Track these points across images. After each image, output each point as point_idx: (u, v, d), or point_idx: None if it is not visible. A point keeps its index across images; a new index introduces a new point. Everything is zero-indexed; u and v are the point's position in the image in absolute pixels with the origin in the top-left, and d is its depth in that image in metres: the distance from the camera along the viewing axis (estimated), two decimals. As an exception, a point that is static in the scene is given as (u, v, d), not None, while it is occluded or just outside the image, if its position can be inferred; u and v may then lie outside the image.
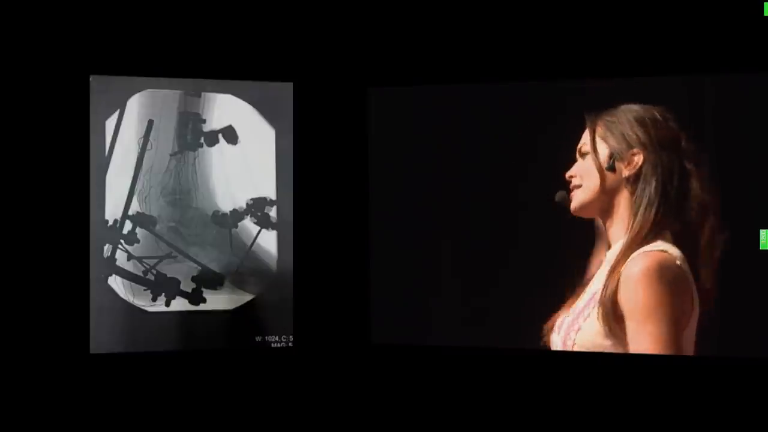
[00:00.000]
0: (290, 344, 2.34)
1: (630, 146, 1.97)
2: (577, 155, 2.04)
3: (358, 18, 2.33)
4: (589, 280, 2.03)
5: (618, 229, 1.97)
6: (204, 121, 2.33)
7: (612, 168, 1.97)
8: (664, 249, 1.88)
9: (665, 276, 1.84)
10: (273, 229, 2.36)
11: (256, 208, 2.35)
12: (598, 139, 1.99)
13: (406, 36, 2.32)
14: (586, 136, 2.04)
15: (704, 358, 2.06)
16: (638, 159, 1.95)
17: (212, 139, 2.33)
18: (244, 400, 2.32)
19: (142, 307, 2.27)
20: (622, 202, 1.97)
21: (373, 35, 2.33)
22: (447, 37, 2.30)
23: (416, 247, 2.31)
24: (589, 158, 1.99)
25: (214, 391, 2.30)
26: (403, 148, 2.33)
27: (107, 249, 2.26)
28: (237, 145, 2.34)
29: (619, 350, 1.90)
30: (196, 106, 2.33)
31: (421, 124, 2.31)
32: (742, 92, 2.06)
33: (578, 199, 2.00)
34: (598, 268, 2.01)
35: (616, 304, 1.87)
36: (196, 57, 2.30)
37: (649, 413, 2.15)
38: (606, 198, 1.98)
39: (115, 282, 2.26)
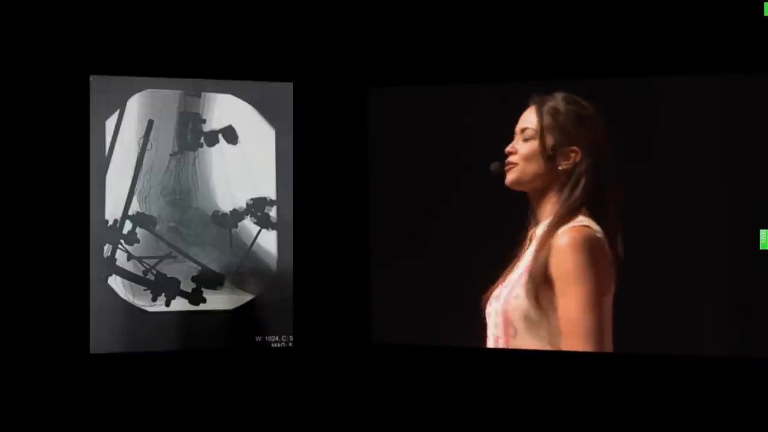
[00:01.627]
0: (290, 344, 2.34)
1: (570, 142, 2.08)
2: (518, 134, 2.12)
3: (358, 18, 2.33)
4: (520, 253, 2.14)
5: (545, 210, 2.09)
6: (204, 121, 2.33)
7: (551, 158, 2.09)
8: (586, 224, 2.04)
9: (588, 246, 2.01)
10: (273, 229, 2.36)
11: (256, 208, 2.35)
12: (545, 129, 2.09)
13: (406, 36, 2.32)
14: (530, 120, 2.11)
15: (704, 357, 2.07)
16: (575, 156, 2.07)
17: (212, 139, 2.33)
18: (244, 400, 2.32)
19: (142, 307, 2.27)
20: (555, 188, 2.09)
21: (373, 35, 2.33)
22: (447, 36, 2.30)
23: (416, 246, 2.31)
24: (533, 143, 2.10)
25: (214, 391, 2.30)
26: (403, 148, 2.33)
27: (107, 249, 2.26)
28: (237, 145, 2.34)
29: (543, 320, 2.05)
30: (196, 106, 2.33)
31: (421, 124, 2.31)
32: (743, 92, 2.06)
33: (515, 177, 2.12)
34: (528, 244, 2.12)
35: (546, 274, 2.03)
36: (196, 57, 2.30)
37: (647, 413, 2.15)
38: (540, 182, 2.10)
39: (115, 282, 2.26)
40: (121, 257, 2.27)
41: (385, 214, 2.34)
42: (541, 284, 2.03)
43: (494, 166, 2.15)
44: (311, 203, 2.36)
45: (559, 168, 2.08)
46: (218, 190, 2.34)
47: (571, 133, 2.08)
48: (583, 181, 2.05)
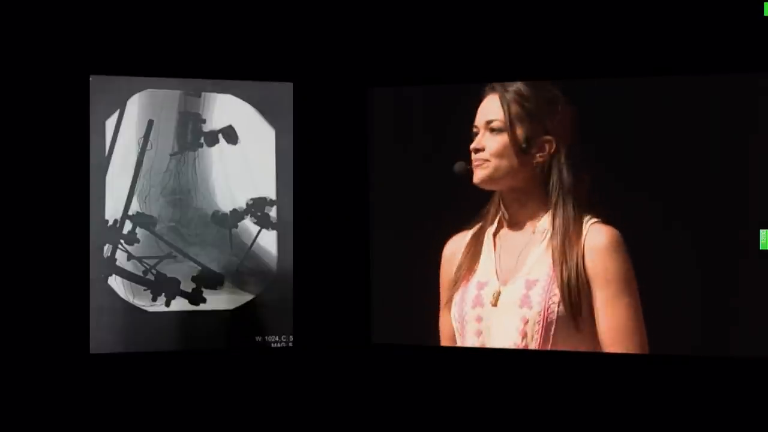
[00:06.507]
0: (290, 344, 2.34)
1: (544, 131, 2.01)
2: (483, 128, 2.05)
3: (358, 18, 2.33)
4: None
5: (528, 209, 2.04)
6: (204, 121, 2.33)
7: (525, 151, 2.00)
8: (602, 222, 1.97)
9: (625, 246, 1.94)
10: (273, 229, 2.36)
11: (256, 208, 2.35)
12: (514, 119, 2.01)
13: (406, 36, 2.32)
14: (494, 111, 2.04)
15: (704, 357, 2.06)
16: (550, 147, 2.00)
17: (212, 139, 2.33)
18: (244, 400, 2.32)
19: (142, 307, 2.27)
20: (534, 183, 2.02)
21: (373, 35, 2.33)
22: (447, 37, 2.30)
23: (416, 247, 2.31)
24: (503, 137, 2.01)
25: (214, 391, 2.30)
26: (403, 148, 2.33)
27: (107, 249, 2.26)
28: (237, 145, 2.34)
29: (582, 326, 1.95)
30: (196, 106, 2.33)
31: (421, 124, 2.31)
32: (743, 92, 2.06)
33: (487, 174, 2.04)
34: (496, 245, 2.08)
35: (584, 277, 1.94)
36: (196, 57, 2.30)
37: (648, 413, 2.15)
38: (516, 178, 2.03)
39: (115, 282, 2.26)
40: (121, 257, 2.27)
41: (385, 214, 2.34)
42: (580, 289, 1.93)
43: (459, 166, 2.05)
44: (311, 203, 2.36)
45: (535, 161, 1.99)
46: (218, 190, 2.34)
47: (544, 121, 1.98)
48: (566, 174, 1.97)
